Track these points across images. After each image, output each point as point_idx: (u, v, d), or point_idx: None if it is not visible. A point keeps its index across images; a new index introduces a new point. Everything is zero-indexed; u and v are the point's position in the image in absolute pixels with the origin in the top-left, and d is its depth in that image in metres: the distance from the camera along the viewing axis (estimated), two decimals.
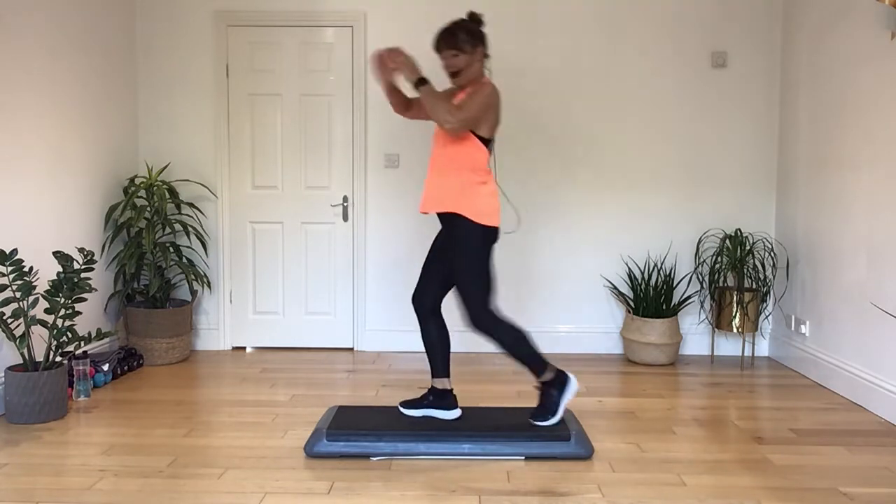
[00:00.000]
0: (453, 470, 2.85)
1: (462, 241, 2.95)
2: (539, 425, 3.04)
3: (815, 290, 4.23)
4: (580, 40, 4.72)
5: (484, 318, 2.97)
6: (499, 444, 2.96)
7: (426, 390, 3.40)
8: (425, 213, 3.05)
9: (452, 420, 3.17)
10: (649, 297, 4.55)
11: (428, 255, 3.18)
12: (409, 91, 4.44)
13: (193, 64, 4.77)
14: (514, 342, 2.98)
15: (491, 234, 2.98)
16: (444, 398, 3.19)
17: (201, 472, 2.82)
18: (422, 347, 4.86)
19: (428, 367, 4.45)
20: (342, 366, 4.50)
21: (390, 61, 2.94)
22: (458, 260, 2.96)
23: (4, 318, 3.34)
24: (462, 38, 2.95)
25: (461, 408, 3.33)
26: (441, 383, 3.19)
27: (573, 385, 3.09)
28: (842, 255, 3.95)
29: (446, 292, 3.19)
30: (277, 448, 3.08)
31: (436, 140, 3.05)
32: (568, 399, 3.07)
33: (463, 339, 4.86)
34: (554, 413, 3.06)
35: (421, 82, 2.90)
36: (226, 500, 2.57)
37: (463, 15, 4.70)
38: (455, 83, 3.04)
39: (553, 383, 3.08)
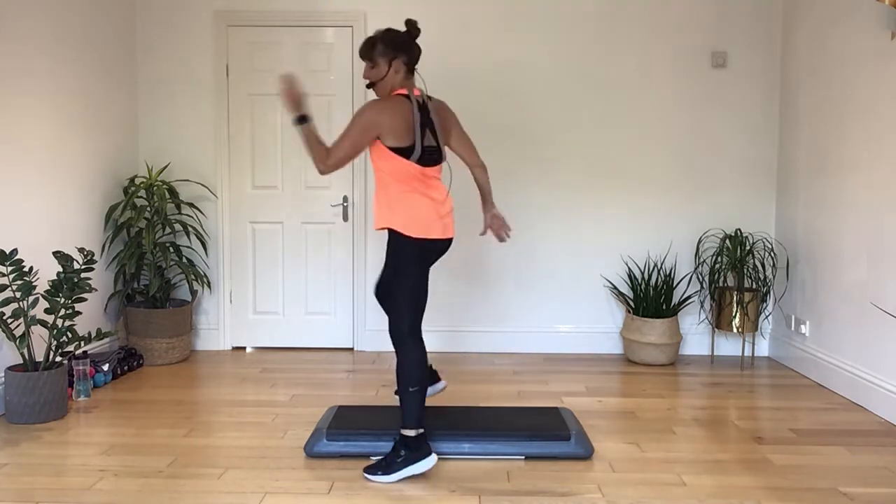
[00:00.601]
0: (453, 470, 2.85)
1: (393, 254, 2.84)
2: (367, 477, 2.76)
3: (815, 290, 4.23)
4: (580, 40, 4.72)
5: (399, 333, 2.82)
6: (499, 444, 2.96)
7: None
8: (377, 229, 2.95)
9: (441, 389, 3.24)
10: (649, 297, 4.55)
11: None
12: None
13: (193, 64, 4.77)
14: (409, 374, 2.77)
15: (422, 246, 2.82)
16: (429, 377, 3.17)
17: (201, 472, 2.82)
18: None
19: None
20: (342, 366, 4.50)
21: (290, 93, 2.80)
22: (389, 271, 2.87)
23: (4, 318, 3.34)
24: (378, 49, 2.85)
25: (462, 407, 3.34)
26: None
27: (427, 464, 2.75)
28: (842, 255, 3.95)
29: None
30: (277, 448, 3.08)
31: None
32: (413, 472, 2.74)
33: (462, 338, 4.86)
34: (389, 473, 2.73)
35: (298, 120, 2.77)
36: (226, 500, 2.57)
37: (462, 14, 4.70)
38: (376, 93, 2.94)
39: (409, 445, 2.76)
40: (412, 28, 2.90)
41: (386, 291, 3.17)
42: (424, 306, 2.89)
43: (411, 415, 2.77)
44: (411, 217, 2.80)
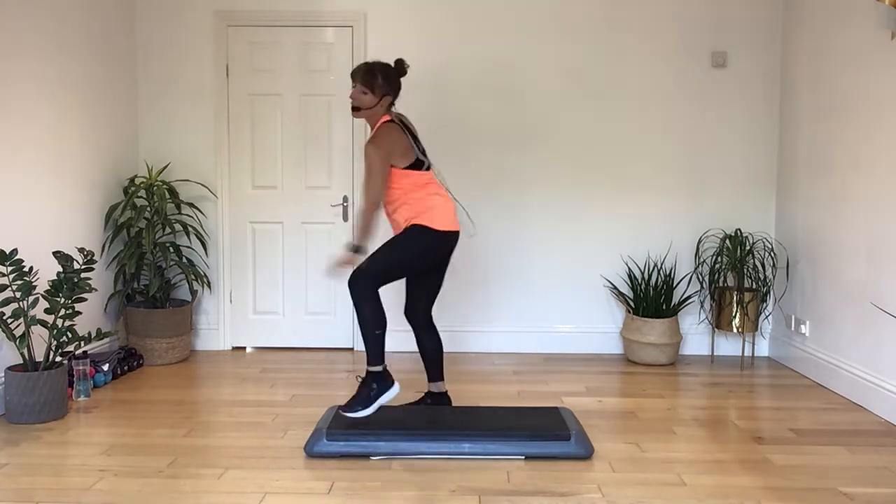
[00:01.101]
0: (453, 470, 2.85)
1: (404, 239, 3.14)
2: (346, 414, 3.02)
3: (815, 290, 4.23)
4: (580, 40, 4.72)
5: (362, 285, 3.05)
6: (499, 444, 2.96)
7: (423, 394, 3.48)
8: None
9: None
10: (649, 297, 4.55)
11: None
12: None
13: (193, 64, 4.77)
14: (373, 320, 3.05)
15: (441, 238, 3.15)
16: (440, 401, 3.43)
17: (201, 472, 2.82)
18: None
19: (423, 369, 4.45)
20: (342, 366, 4.50)
21: (345, 268, 3.15)
22: (387, 243, 3.14)
23: (4, 318, 3.34)
24: (378, 82, 3.14)
25: (462, 407, 3.35)
26: (437, 387, 3.42)
27: (394, 391, 3.09)
28: (842, 255, 3.95)
29: (433, 302, 3.40)
30: (277, 448, 3.08)
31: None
32: (385, 400, 3.06)
33: (462, 338, 4.86)
34: (367, 406, 3.03)
35: (357, 249, 3.10)
36: (226, 500, 2.57)
37: (461, 14, 4.70)
38: (354, 115, 3.22)
39: (377, 378, 3.07)
40: (401, 68, 3.20)
41: (414, 310, 3.38)
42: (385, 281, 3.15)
43: (376, 353, 3.08)
44: (435, 213, 3.14)
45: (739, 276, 4.42)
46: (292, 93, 4.79)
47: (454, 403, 3.74)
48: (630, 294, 4.81)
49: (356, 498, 2.60)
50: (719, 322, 4.50)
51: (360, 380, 3.14)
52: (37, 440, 3.16)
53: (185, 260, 4.66)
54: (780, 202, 4.71)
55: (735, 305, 4.41)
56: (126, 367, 4.25)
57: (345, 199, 4.83)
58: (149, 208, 4.46)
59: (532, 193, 4.79)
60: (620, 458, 2.99)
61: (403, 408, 3.34)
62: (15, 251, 3.31)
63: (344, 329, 4.91)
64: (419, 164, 3.16)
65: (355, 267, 3.10)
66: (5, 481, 2.72)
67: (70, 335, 3.48)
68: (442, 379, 3.41)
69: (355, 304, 3.07)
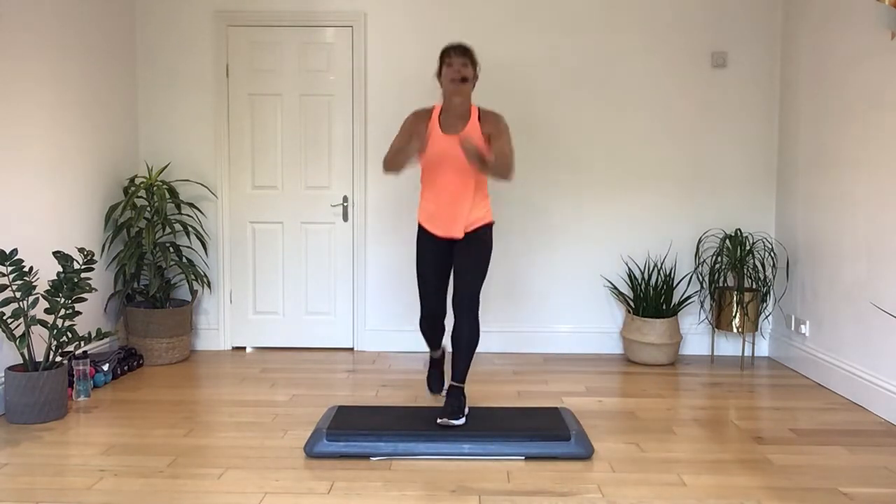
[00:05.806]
0: (453, 470, 2.85)
1: (488, 245, 3.40)
2: (455, 423, 3.13)
3: (815, 290, 4.23)
4: (580, 41, 4.72)
5: (477, 305, 3.34)
6: (499, 444, 2.96)
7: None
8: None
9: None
10: (649, 297, 4.55)
11: None
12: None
13: (193, 64, 4.77)
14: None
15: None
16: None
17: (201, 472, 2.82)
18: (421, 347, 4.87)
19: (424, 369, 4.46)
20: (342, 366, 4.50)
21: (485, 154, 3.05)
22: (477, 252, 3.36)
23: (4, 318, 3.34)
24: (474, 57, 3.27)
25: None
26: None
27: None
28: (842, 255, 3.95)
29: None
30: (277, 448, 3.08)
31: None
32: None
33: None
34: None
35: (484, 163, 3.05)
36: (226, 500, 2.57)
37: (461, 15, 4.70)
38: (460, 89, 3.22)
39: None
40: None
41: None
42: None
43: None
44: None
45: (739, 276, 4.42)
46: (292, 93, 4.79)
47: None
48: (630, 294, 4.81)
49: (356, 498, 2.60)
50: (719, 322, 4.50)
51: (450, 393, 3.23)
52: (37, 440, 3.16)
53: (185, 260, 4.66)
54: (780, 202, 4.71)
55: (735, 305, 4.41)
56: (126, 367, 4.25)
57: (345, 199, 4.83)
58: (149, 208, 4.46)
59: (531, 193, 4.79)
60: (620, 458, 2.99)
61: (403, 408, 3.34)
62: (15, 251, 3.31)
63: (344, 329, 4.91)
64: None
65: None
66: (5, 481, 2.72)
67: (70, 335, 3.48)
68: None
69: (476, 326, 3.25)
